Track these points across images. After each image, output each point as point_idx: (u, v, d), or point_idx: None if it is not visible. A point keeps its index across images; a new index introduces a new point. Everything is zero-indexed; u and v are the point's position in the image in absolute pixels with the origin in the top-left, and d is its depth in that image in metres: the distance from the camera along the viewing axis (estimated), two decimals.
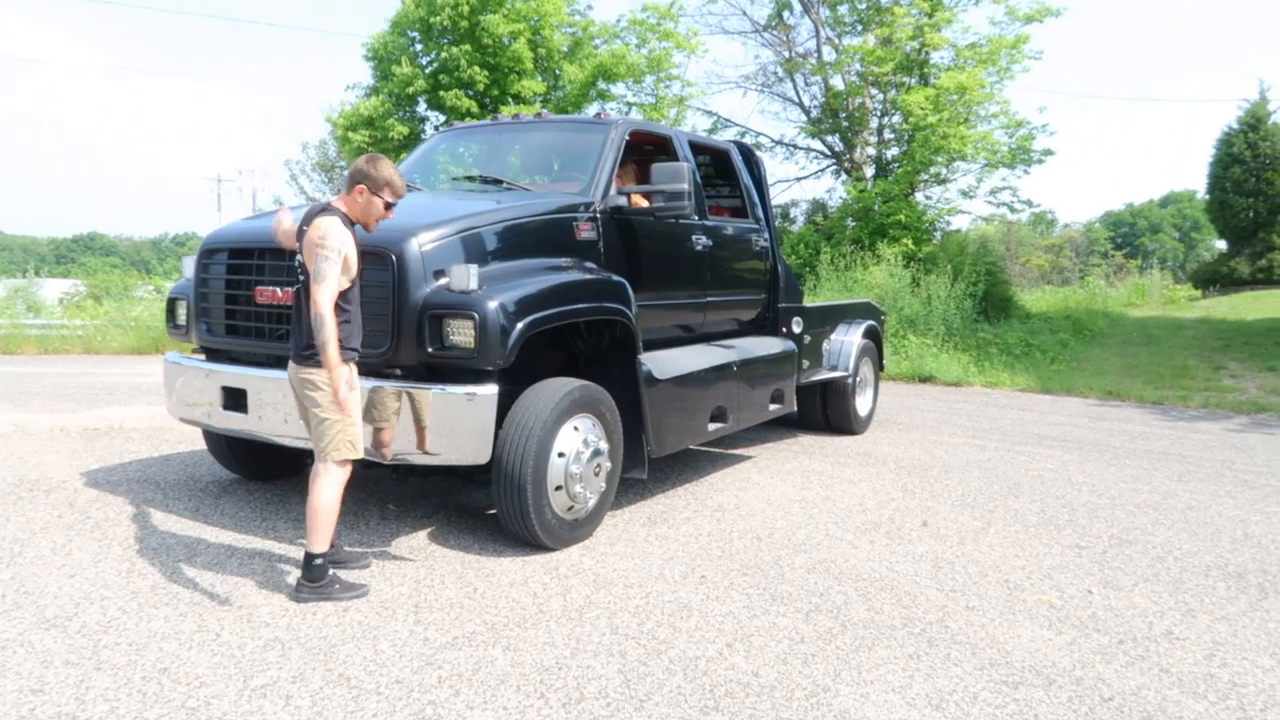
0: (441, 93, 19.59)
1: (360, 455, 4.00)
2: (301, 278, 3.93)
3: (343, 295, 3.89)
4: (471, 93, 20.03)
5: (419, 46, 20.95)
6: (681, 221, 6.04)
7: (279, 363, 4.79)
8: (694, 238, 6.25)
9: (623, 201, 5.53)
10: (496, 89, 20.05)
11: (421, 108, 21.05)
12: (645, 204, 5.86)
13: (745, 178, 7.39)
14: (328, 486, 3.93)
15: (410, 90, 19.84)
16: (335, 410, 3.89)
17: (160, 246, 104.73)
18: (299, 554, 4.55)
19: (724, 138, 19.57)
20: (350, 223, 3.94)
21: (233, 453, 5.73)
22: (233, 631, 3.58)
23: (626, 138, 5.88)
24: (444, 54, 19.81)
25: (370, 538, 4.91)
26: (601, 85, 20.76)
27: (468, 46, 19.62)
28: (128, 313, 17.24)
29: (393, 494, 5.79)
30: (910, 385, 13.66)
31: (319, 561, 3.95)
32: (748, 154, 7.59)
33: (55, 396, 9.68)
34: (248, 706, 2.99)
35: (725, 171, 7.51)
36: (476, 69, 19.57)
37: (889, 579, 4.55)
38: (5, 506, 5.21)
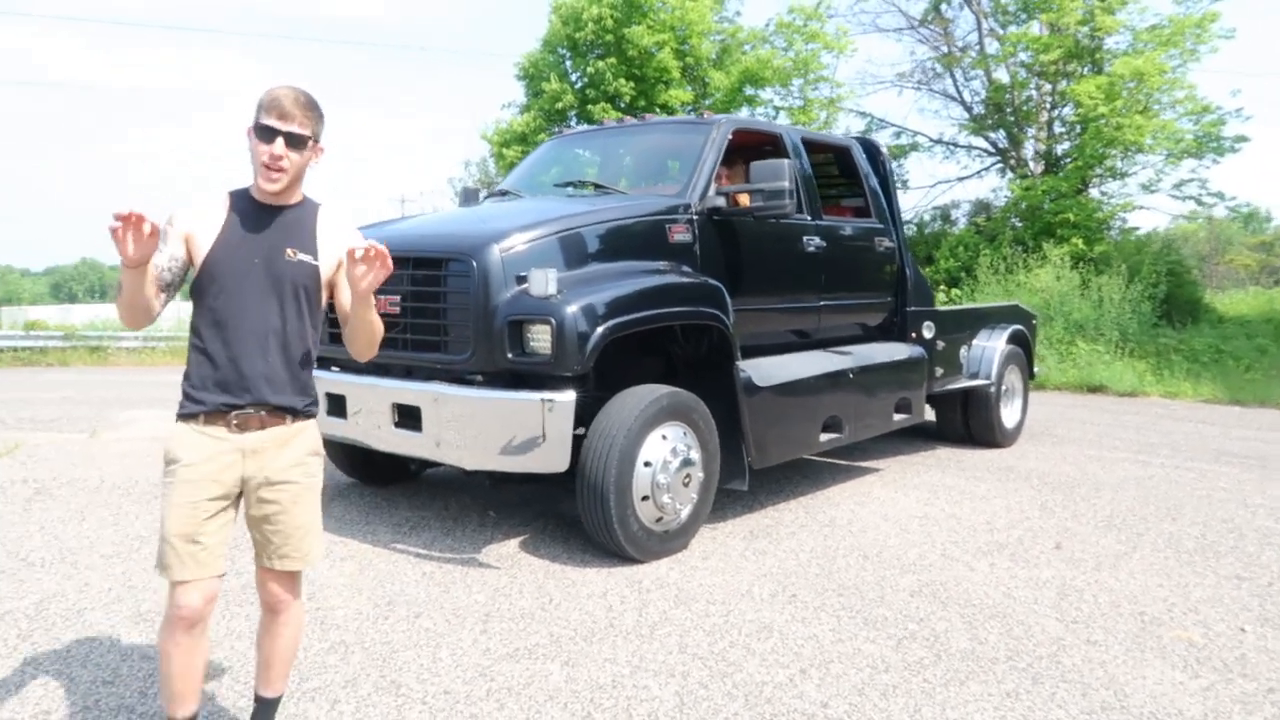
0: (589, 106, 19.92)
1: (169, 576, 2.41)
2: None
3: (198, 305, 2.49)
4: (621, 105, 20.26)
5: (569, 63, 21.42)
6: (789, 221, 5.77)
7: (376, 370, 4.91)
8: (805, 238, 5.96)
9: (721, 202, 5.33)
10: (643, 100, 20.19)
11: (572, 122, 21.49)
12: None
13: (869, 176, 7.01)
14: (161, 626, 2.50)
15: (559, 105, 20.29)
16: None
17: None
18: (391, 558, 4.62)
19: (878, 138, 18.98)
20: (240, 196, 2.55)
21: (348, 458, 5.91)
22: (304, 632, 3.63)
23: (729, 137, 5.67)
24: (590, 69, 20.14)
25: (462, 543, 4.92)
26: (749, 91, 20.50)
27: (613, 59, 19.86)
28: None
29: (494, 501, 5.81)
30: (1076, 395, 12.67)
31: None
32: (872, 150, 7.20)
33: None
34: (294, 709, 3.00)
35: (847, 170, 7.15)
36: (622, 81, 19.77)
37: (1003, 606, 4.13)
38: (139, 505, 5.58)
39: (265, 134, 2.41)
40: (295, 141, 2.44)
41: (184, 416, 2.47)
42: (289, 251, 2.52)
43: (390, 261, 2.45)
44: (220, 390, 2.45)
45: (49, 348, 18.10)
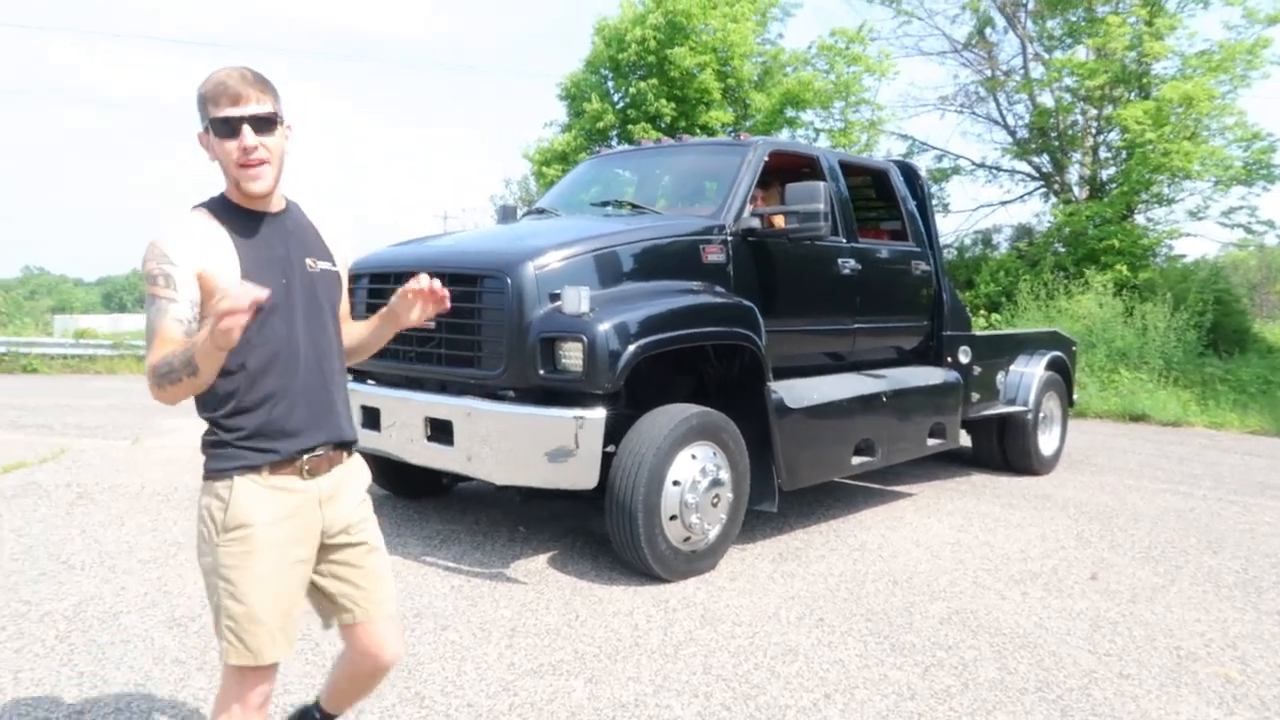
0: (630, 126, 20.08)
1: (260, 661, 2.07)
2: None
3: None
4: (662, 125, 20.39)
5: (611, 84, 21.62)
6: (824, 243, 5.77)
7: (410, 384, 4.99)
8: (840, 261, 5.95)
9: (756, 224, 5.34)
10: (684, 120, 20.29)
11: (613, 142, 21.64)
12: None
13: (907, 199, 6.99)
14: (218, 708, 2.16)
15: (600, 125, 20.47)
16: (214, 573, 2.07)
17: None
18: (420, 571, 4.66)
19: (919, 161, 18.89)
20: (223, 207, 2.12)
21: (382, 470, 5.96)
22: (331, 642, 3.67)
23: (765, 159, 5.70)
24: (632, 89, 20.31)
25: (491, 558, 4.95)
26: (790, 113, 20.53)
27: (655, 80, 20.02)
28: None
29: (523, 516, 5.84)
30: (1118, 424, 12.43)
31: None
32: (910, 174, 7.18)
33: None
34: None
35: (885, 193, 7.13)
36: (663, 102, 19.92)
37: (1034, 636, 4.06)
38: (178, 512, 5.70)
39: (225, 128, 2.01)
40: (262, 124, 2.04)
41: (242, 469, 2.05)
42: (309, 262, 2.19)
43: (447, 301, 2.32)
44: (287, 436, 2.10)
45: (98, 355, 18.53)
